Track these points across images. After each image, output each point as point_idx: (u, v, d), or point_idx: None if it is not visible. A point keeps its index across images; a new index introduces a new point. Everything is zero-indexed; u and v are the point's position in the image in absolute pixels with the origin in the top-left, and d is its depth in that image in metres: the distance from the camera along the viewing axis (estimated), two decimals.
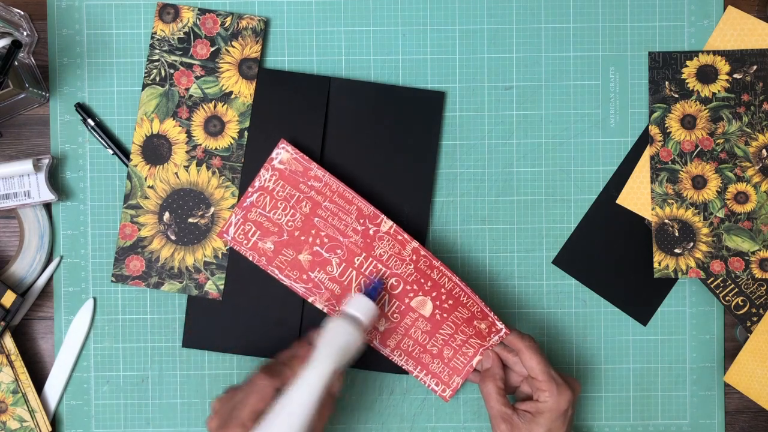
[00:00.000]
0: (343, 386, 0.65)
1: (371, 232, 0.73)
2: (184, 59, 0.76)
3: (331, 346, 0.64)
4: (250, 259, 0.74)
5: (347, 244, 0.74)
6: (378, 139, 0.77)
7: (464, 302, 0.73)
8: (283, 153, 0.74)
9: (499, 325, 0.71)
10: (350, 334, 0.66)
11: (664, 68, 0.77)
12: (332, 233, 0.74)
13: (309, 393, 0.62)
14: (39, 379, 0.77)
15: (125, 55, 0.77)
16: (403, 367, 0.75)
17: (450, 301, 0.73)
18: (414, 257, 0.73)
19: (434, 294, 0.73)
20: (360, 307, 0.68)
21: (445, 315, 0.74)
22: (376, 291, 0.71)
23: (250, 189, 0.74)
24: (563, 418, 0.68)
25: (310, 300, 0.75)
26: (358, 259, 0.74)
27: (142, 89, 0.76)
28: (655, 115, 0.77)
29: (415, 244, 0.73)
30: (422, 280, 0.73)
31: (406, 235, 0.73)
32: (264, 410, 0.63)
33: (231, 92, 0.76)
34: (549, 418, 0.68)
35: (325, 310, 0.75)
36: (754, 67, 0.77)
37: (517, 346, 0.71)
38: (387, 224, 0.73)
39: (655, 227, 0.77)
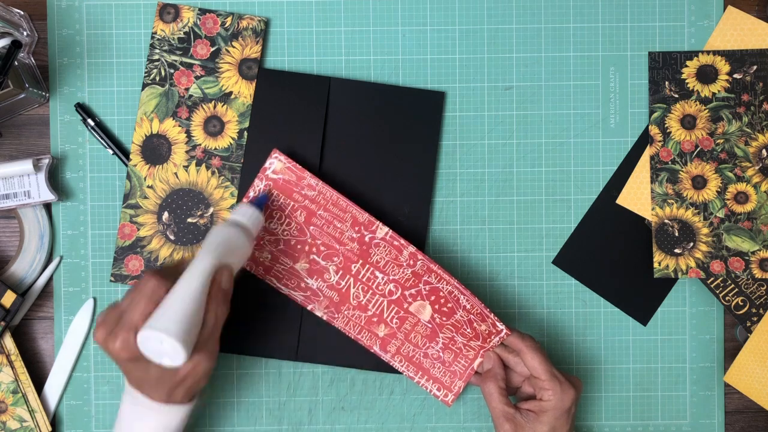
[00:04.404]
0: (234, 286, 0.66)
1: (367, 239, 0.73)
2: (184, 59, 0.76)
3: (212, 243, 0.65)
4: (248, 269, 0.74)
5: (344, 252, 0.74)
6: (378, 139, 0.77)
7: (463, 305, 0.72)
8: (276, 162, 0.73)
9: (500, 326, 0.71)
10: (228, 231, 0.66)
11: (664, 68, 0.77)
12: (328, 241, 0.73)
13: (191, 286, 0.61)
14: (39, 379, 0.77)
15: (125, 55, 0.77)
16: (404, 374, 0.75)
17: (449, 305, 0.73)
18: (411, 262, 0.73)
19: (432, 298, 0.73)
20: (243, 213, 0.69)
21: (444, 318, 0.74)
22: (261, 203, 0.72)
23: (244, 200, 0.74)
24: (567, 416, 0.68)
25: (309, 308, 0.75)
26: (355, 267, 0.74)
27: (142, 89, 0.76)
28: (655, 115, 0.77)
29: (411, 248, 0.73)
30: (420, 285, 0.73)
31: (402, 241, 0.73)
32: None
33: (231, 92, 0.76)
34: (553, 417, 0.68)
35: (324, 318, 0.75)
36: (754, 67, 0.77)
37: (518, 346, 0.70)
38: (383, 231, 0.73)
39: (655, 227, 0.77)
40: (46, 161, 0.76)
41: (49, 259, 0.77)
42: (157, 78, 0.76)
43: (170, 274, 0.63)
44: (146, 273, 0.63)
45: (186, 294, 0.61)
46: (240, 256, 0.67)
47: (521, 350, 0.70)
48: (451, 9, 0.78)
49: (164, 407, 0.64)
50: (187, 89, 0.76)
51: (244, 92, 0.76)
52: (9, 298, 0.74)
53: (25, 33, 0.75)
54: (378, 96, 0.77)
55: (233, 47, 0.76)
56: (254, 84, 0.76)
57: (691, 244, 0.77)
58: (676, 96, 0.77)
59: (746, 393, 0.77)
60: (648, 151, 0.77)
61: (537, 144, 0.78)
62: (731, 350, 0.78)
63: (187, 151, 0.76)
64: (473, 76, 0.78)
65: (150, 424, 0.65)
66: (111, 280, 0.76)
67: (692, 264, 0.77)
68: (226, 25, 0.76)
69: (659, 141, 0.77)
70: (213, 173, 0.76)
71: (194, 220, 0.76)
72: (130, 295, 0.63)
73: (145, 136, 0.76)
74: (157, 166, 0.76)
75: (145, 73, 0.77)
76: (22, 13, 0.76)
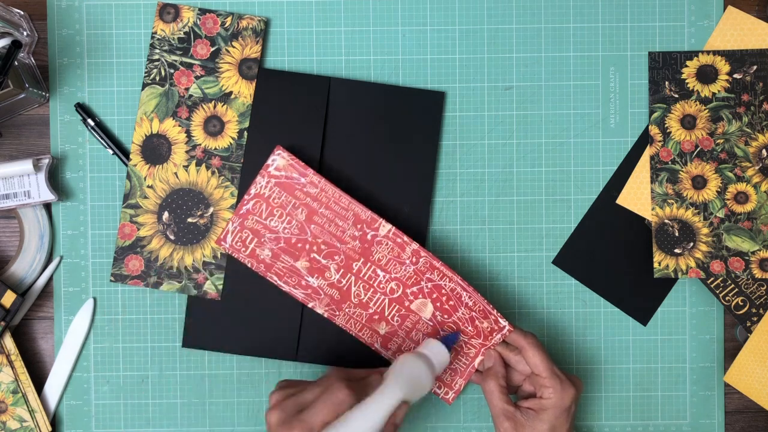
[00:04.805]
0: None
1: (369, 237, 0.73)
2: (184, 59, 0.76)
3: (401, 377, 0.66)
4: (249, 266, 0.74)
5: (345, 250, 0.74)
6: (378, 139, 0.77)
7: (465, 302, 0.73)
8: (279, 159, 0.73)
9: (503, 322, 0.71)
10: (420, 369, 0.67)
11: (664, 68, 0.77)
12: (329, 240, 0.74)
13: (375, 418, 0.63)
14: (39, 379, 0.77)
15: (125, 55, 0.77)
16: None
17: (451, 302, 0.73)
18: (414, 259, 0.73)
19: (435, 296, 0.74)
20: (433, 350, 0.69)
21: (445, 316, 0.74)
22: (451, 341, 0.72)
23: (246, 196, 0.74)
24: (566, 414, 0.69)
25: (309, 305, 0.75)
26: (356, 265, 0.74)
27: (142, 89, 0.77)
28: (655, 115, 0.77)
29: (414, 245, 0.73)
30: (422, 282, 0.73)
31: (405, 238, 0.73)
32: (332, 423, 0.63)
33: (231, 92, 0.76)
34: (552, 415, 0.68)
35: (325, 315, 0.75)
36: (754, 67, 0.77)
37: (520, 343, 0.71)
38: (385, 228, 0.73)
39: (655, 227, 0.77)
40: (46, 161, 0.76)
41: (49, 259, 0.77)
42: (157, 78, 0.76)
43: (357, 383, 0.66)
44: (337, 379, 0.65)
45: (368, 427, 0.62)
46: (420, 393, 0.67)
47: (523, 347, 0.70)
48: (451, 9, 0.78)
49: None
50: (187, 89, 0.76)
51: (244, 92, 0.76)
52: (9, 298, 0.74)
53: (25, 33, 0.75)
54: (378, 96, 0.77)
55: (233, 47, 0.76)
56: (254, 84, 0.76)
57: (691, 244, 0.77)
58: (676, 96, 0.77)
59: (746, 393, 0.77)
60: (648, 151, 0.77)
61: (537, 144, 0.78)
62: (731, 350, 0.78)
63: (187, 151, 0.76)
64: (473, 76, 0.78)
65: None
66: (111, 280, 0.76)
67: (692, 264, 0.77)
68: (226, 25, 0.76)
69: (659, 141, 0.77)
70: (213, 173, 0.76)
71: (194, 220, 0.76)
72: (316, 391, 0.65)
73: (145, 136, 0.76)
74: (157, 166, 0.76)
75: (145, 73, 0.77)
76: (22, 13, 0.76)
